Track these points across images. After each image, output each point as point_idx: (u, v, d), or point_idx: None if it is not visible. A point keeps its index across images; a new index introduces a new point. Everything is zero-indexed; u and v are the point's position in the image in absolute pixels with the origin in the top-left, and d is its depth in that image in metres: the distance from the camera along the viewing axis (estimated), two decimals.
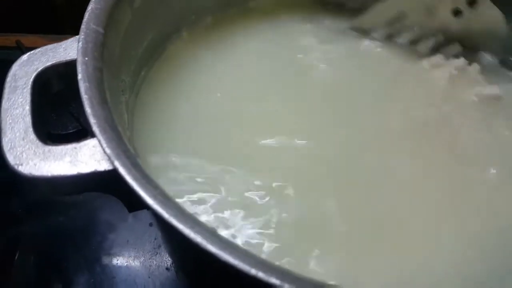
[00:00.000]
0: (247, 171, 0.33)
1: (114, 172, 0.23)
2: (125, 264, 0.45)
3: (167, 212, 0.21)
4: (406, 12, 0.40)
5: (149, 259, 0.45)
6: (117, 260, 0.45)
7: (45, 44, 0.31)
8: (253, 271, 0.19)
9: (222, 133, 0.37)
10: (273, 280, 0.19)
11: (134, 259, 0.45)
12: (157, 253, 0.46)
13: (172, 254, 0.41)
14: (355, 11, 0.45)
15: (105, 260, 0.45)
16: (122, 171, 0.22)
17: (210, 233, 0.21)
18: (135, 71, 0.37)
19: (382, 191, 0.33)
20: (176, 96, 0.39)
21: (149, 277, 0.45)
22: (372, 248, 0.30)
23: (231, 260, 0.20)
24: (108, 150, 0.23)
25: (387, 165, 0.34)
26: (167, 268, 0.45)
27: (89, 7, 0.30)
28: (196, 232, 0.20)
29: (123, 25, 0.33)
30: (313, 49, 0.44)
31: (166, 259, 0.45)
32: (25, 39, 0.60)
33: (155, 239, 0.46)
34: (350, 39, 0.44)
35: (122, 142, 0.24)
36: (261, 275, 0.20)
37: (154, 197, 0.21)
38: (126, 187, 0.23)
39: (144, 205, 0.22)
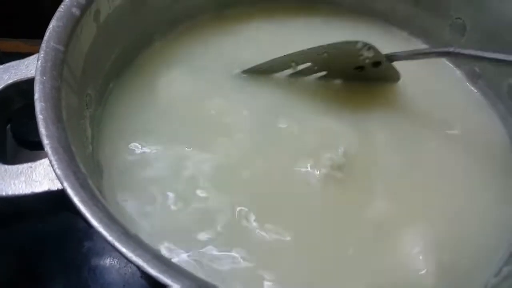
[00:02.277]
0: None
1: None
2: (101, 272, 0.46)
3: (111, 235, 0.21)
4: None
5: (124, 267, 0.46)
6: (93, 268, 0.46)
7: (26, 50, 0.31)
8: None
9: (191, 142, 0.37)
10: None
11: (109, 267, 0.46)
12: None
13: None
14: None
15: (81, 267, 0.46)
16: (70, 192, 0.23)
17: (152, 255, 0.21)
18: (103, 84, 0.37)
19: None
20: (146, 107, 0.39)
21: (124, 286, 0.45)
22: None
23: (170, 283, 0.20)
24: (58, 171, 0.24)
25: None
26: (141, 276, 0.45)
27: (50, 25, 0.31)
28: (137, 255, 0.21)
29: (87, 40, 0.34)
30: None
31: None
32: (6, 44, 0.60)
33: None
34: None
35: (73, 163, 0.25)
36: None
37: (100, 219, 0.22)
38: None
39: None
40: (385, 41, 0.46)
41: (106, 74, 0.38)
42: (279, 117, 0.39)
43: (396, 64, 0.41)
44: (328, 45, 0.38)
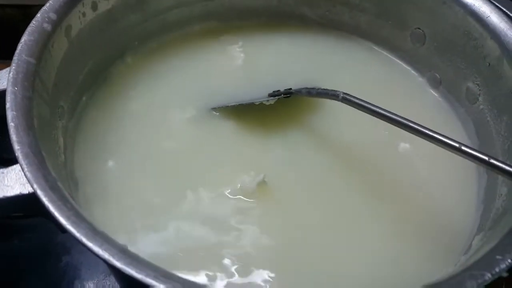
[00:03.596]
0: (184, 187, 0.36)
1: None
2: (79, 286, 0.46)
3: (78, 232, 0.22)
4: None
5: (103, 280, 0.46)
6: (71, 282, 0.46)
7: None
8: (154, 283, 0.21)
9: (162, 157, 0.38)
10: None
11: (88, 281, 0.46)
12: (110, 274, 0.46)
13: (113, 275, 0.42)
14: None
15: (60, 282, 0.46)
16: (39, 193, 0.24)
17: (119, 250, 0.22)
18: (75, 97, 0.38)
19: None
20: (118, 121, 0.40)
21: None
22: None
23: (135, 274, 0.21)
24: (28, 174, 0.25)
25: None
26: None
27: (22, 39, 0.32)
28: (104, 249, 0.22)
29: (59, 54, 0.35)
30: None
31: None
32: None
33: None
34: None
35: (43, 167, 0.25)
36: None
37: (68, 217, 0.23)
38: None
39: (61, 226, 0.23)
40: (351, 52, 0.49)
41: (78, 87, 0.39)
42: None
43: (364, 69, 0.45)
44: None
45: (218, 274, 0.32)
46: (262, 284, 0.32)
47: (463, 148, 0.30)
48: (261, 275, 0.32)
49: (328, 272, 0.33)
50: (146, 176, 0.37)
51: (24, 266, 0.46)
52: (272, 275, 0.32)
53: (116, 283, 0.46)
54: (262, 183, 0.36)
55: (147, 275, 0.21)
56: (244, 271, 0.32)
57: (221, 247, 0.33)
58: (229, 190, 0.36)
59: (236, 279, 0.32)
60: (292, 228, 0.35)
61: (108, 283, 0.46)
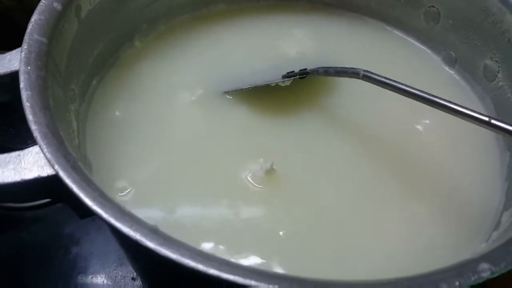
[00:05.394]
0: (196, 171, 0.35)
1: (56, 177, 0.24)
2: (90, 276, 0.45)
3: (106, 212, 0.21)
4: None
5: (114, 270, 0.45)
6: (82, 273, 0.45)
7: None
8: (192, 264, 0.20)
9: (174, 141, 0.37)
10: (211, 271, 0.20)
11: (99, 271, 0.45)
12: (122, 264, 0.45)
13: (132, 263, 0.41)
14: None
15: (70, 274, 0.45)
16: (61, 174, 0.23)
17: (150, 230, 0.21)
18: (85, 80, 0.37)
19: None
20: (129, 105, 0.39)
21: None
22: None
23: (170, 254, 0.20)
24: (48, 155, 0.23)
25: None
26: (133, 278, 0.45)
27: (33, 19, 0.30)
28: (135, 230, 0.21)
29: (69, 35, 0.33)
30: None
31: (131, 269, 0.45)
32: None
33: (119, 249, 0.46)
34: None
35: (63, 147, 0.24)
36: (200, 267, 0.20)
37: (94, 198, 0.22)
38: (69, 190, 0.23)
39: (87, 208, 0.22)
40: (362, 34, 0.48)
41: (89, 70, 0.38)
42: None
43: (376, 50, 0.43)
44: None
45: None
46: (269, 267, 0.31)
47: (492, 121, 0.29)
48: (272, 260, 0.31)
49: (344, 258, 0.32)
50: (157, 161, 0.36)
51: (32, 259, 0.46)
52: (281, 259, 0.31)
53: (128, 273, 0.45)
54: (271, 171, 0.35)
55: (182, 255, 0.20)
56: (250, 255, 0.31)
57: (225, 230, 0.32)
58: (237, 177, 0.35)
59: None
60: (305, 214, 0.34)
61: (120, 273, 0.45)
